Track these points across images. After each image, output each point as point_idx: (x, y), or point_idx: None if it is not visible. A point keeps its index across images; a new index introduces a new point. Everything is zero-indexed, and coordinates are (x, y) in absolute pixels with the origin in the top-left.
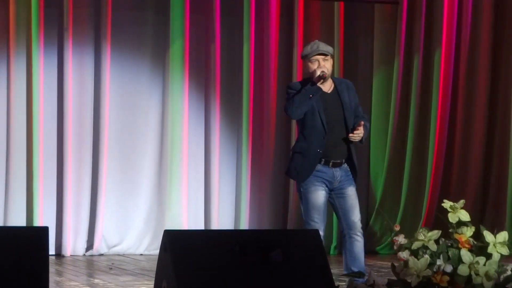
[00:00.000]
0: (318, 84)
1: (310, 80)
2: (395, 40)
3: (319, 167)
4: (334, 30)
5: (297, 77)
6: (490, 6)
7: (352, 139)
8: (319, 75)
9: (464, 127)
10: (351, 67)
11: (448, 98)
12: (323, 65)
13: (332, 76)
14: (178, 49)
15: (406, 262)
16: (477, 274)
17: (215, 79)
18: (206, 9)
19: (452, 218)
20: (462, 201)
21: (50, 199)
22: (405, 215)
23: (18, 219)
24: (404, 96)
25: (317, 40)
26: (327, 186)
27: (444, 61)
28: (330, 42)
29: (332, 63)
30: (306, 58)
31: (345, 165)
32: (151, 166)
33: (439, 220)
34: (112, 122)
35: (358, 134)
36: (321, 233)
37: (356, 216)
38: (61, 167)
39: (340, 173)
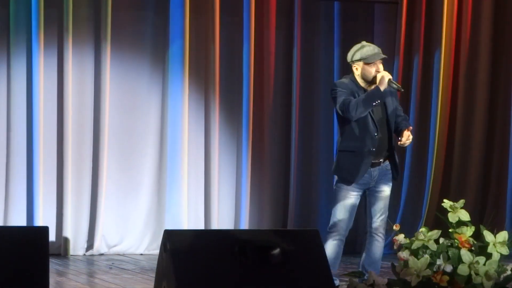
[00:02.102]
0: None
1: (370, 83)
2: (395, 40)
3: None
4: (333, 30)
5: (297, 76)
6: (490, 5)
7: (403, 145)
8: (394, 86)
9: (464, 127)
10: (351, 67)
11: (448, 98)
12: (383, 71)
13: None
14: (178, 49)
15: (406, 262)
16: (477, 274)
17: (215, 78)
18: (205, 9)
19: (452, 217)
20: (462, 201)
21: (50, 199)
22: (405, 214)
23: (18, 219)
24: (404, 96)
25: (364, 42)
26: (361, 187)
27: (444, 61)
28: (329, 42)
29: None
30: (364, 60)
31: (384, 164)
32: (151, 166)
33: (439, 219)
34: (112, 122)
35: (409, 140)
36: (345, 233)
37: (383, 217)
38: (61, 167)
39: (377, 172)
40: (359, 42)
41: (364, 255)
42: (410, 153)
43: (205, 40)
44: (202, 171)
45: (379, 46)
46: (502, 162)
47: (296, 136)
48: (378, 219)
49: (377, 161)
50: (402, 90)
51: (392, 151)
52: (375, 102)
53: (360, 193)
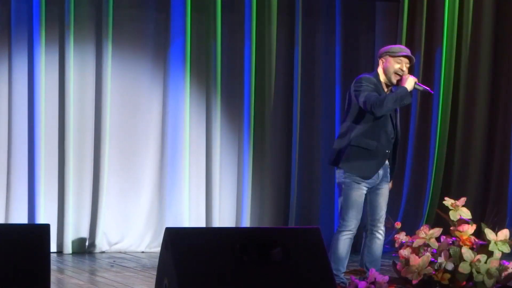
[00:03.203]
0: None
1: (390, 81)
2: (396, 38)
3: None
4: (335, 28)
5: (298, 73)
6: (492, 4)
7: None
8: (419, 89)
9: (465, 125)
10: (352, 65)
11: (449, 96)
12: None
13: None
14: (179, 47)
15: (407, 260)
16: (478, 272)
17: (216, 76)
18: (207, 7)
19: (453, 215)
20: (463, 199)
21: (52, 197)
22: (407, 213)
23: (20, 217)
24: None
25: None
26: (369, 185)
27: (445, 59)
28: (331, 40)
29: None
30: (392, 54)
31: (387, 163)
32: (153, 164)
33: (440, 218)
34: (114, 120)
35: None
36: (354, 231)
37: (382, 213)
38: (63, 165)
39: (382, 171)
40: (360, 40)
41: (365, 252)
42: (411, 151)
43: (206, 38)
44: (204, 169)
45: (380, 44)
46: (503, 161)
47: (297, 133)
48: (378, 215)
49: (385, 161)
50: (431, 92)
51: (395, 152)
52: (404, 102)
53: (367, 190)
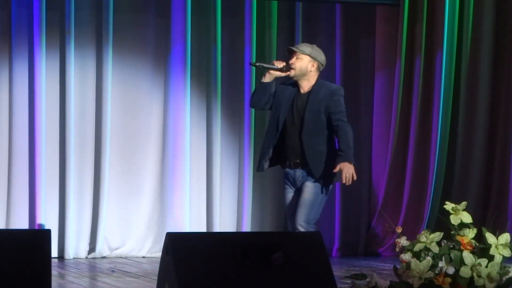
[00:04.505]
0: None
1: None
2: (397, 42)
3: None
4: (335, 32)
5: None
6: (492, 7)
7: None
8: (268, 67)
9: (466, 129)
10: (353, 69)
11: (450, 100)
12: (291, 62)
13: (320, 80)
14: (179, 51)
15: (408, 264)
16: (479, 276)
17: (217, 81)
18: (207, 12)
19: (454, 220)
20: (464, 203)
21: (52, 202)
22: (407, 217)
23: (20, 222)
24: (405, 97)
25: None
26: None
27: (445, 62)
28: (331, 44)
29: (305, 62)
30: None
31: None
32: (153, 169)
33: (441, 222)
34: (114, 125)
35: (348, 178)
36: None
37: None
38: (63, 170)
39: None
40: (360, 43)
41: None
42: (412, 155)
43: (206, 43)
44: (204, 174)
45: (380, 48)
46: (504, 165)
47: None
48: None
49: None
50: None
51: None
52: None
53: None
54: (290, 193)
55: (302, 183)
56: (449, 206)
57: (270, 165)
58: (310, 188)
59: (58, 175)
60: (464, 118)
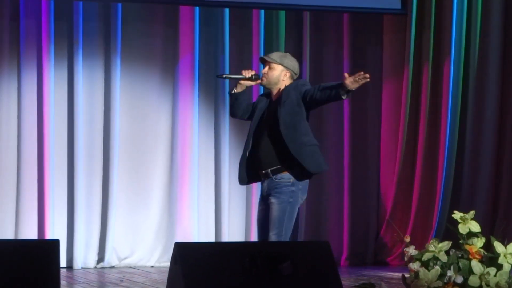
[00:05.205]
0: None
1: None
2: (404, 51)
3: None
4: (343, 41)
5: None
6: (500, 15)
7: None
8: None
9: (474, 137)
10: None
11: (458, 109)
12: (263, 71)
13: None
14: (187, 61)
15: (416, 273)
16: (487, 285)
17: (225, 91)
18: (215, 22)
19: (463, 229)
20: (472, 212)
21: (61, 212)
22: (416, 226)
23: (29, 232)
24: (413, 106)
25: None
26: None
27: (453, 70)
28: (339, 53)
29: (277, 72)
30: None
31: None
32: (162, 178)
33: (449, 231)
34: (122, 135)
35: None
36: None
37: None
38: (72, 180)
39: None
40: (368, 52)
41: None
42: (420, 164)
43: (214, 52)
44: (212, 183)
45: (388, 56)
46: None
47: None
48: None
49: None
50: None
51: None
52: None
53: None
54: (260, 212)
55: (268, 195)
56: (457, 215)
57: (249, 180)
58: (275, 205)
59: (67, 184)
60: (472, 126)
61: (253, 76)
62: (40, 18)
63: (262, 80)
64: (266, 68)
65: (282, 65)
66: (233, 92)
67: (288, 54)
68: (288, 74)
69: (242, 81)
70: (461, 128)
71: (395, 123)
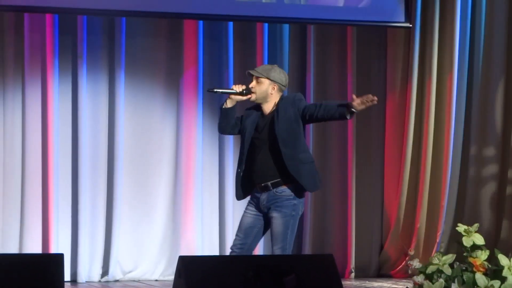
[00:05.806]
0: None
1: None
2: (408, 64)
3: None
4: (346, 54)
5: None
6: (504, 30)
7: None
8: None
9: (478, 151)
10: (364, 91)
11: (462, 122)
12: (252, 85)
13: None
14: (191, 75)
15: (421, 286)
16: None
17: None
18: (219, 36)
19: (467, 241)
20: (476, 225)
21: (65, 225)
22: (420, 239)
23: (33, 246)
24: (417, 119)
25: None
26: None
27: (457, 84)
28: (343, 66)
29: (264, 86)
30: None
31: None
32: (166, 192)
33: (453, 244)
34: (127, 148)
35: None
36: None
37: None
38: (76, 193)
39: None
40: (371, 66)
41: None
42: (424, 177)
43: (218, 67)
44: (217, 197)
45: (392, 70)
46: None
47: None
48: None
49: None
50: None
51: None
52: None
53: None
54: (248, 216)
55: (268, 209)
56: (461, 228)
57: (245, 194)
58: (278, 219)
59: (71, 198)
60: (475, 140)
61: (244, 91)
62: (45, 33)
63: (252, 95)
64: (254, 83)
65: (268, 78)
66: (223, 107)
67: (275, 66)
68: (276, 87)
69: (233, 96)
70: (465, 141)
71: (399, 137)
